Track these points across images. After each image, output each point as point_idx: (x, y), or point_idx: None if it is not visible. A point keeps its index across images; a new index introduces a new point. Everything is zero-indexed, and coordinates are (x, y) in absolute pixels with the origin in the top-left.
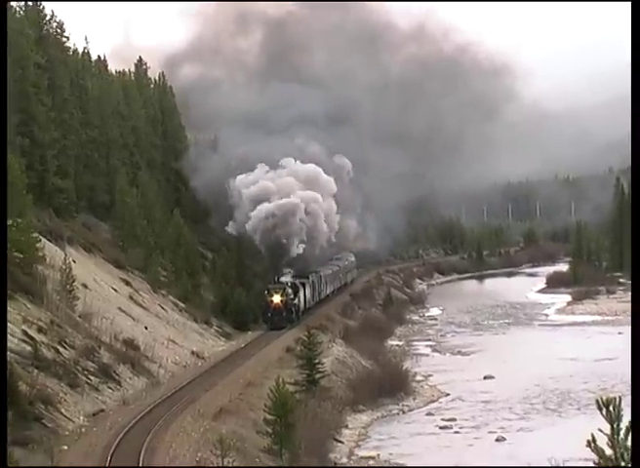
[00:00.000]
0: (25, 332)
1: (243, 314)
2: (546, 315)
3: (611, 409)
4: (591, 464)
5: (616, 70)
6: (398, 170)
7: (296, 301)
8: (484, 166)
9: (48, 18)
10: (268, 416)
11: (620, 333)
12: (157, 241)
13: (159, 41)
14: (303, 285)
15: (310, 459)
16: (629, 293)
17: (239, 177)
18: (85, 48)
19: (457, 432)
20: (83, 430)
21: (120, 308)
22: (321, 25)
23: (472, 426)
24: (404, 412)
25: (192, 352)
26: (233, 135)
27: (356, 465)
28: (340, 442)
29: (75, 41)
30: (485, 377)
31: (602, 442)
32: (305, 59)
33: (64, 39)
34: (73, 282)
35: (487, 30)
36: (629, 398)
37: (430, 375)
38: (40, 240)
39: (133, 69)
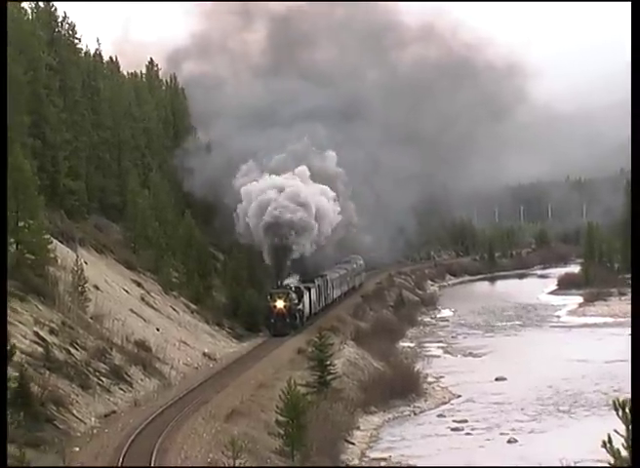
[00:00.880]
0: (37, 334)
1: (254, 315)
2: (558, 316)
3: (627, 410)
4: (605, 465)
5: (627, 71)
6: (409, 170)
7: (300, 306)
8: (495, 167)
9: (60, 19)
10: (280, 418)
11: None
12: (168, 242)
13: (160, 36)
14: (309, 289)
15: (322, 461)
16: None
17: (244, 188)
18: (97, 49)
19: (468, 434)
20: (95, 431)
21: (132, 310)
22: (327, 22)
23: (484, 428)
24: (415, 414)
25: (204, 353)
26: (235, 130)
27: (368, 466)
28: (352, 443)
29: (87, 42)
30: (496, 379)
31: (618, 443)
32: (311, 56)
33: (76, 40)
34: (85, 283)
35: (496, 29)
36: None
37: (442, 377)
38: (52, 241)
39: (132, 65)
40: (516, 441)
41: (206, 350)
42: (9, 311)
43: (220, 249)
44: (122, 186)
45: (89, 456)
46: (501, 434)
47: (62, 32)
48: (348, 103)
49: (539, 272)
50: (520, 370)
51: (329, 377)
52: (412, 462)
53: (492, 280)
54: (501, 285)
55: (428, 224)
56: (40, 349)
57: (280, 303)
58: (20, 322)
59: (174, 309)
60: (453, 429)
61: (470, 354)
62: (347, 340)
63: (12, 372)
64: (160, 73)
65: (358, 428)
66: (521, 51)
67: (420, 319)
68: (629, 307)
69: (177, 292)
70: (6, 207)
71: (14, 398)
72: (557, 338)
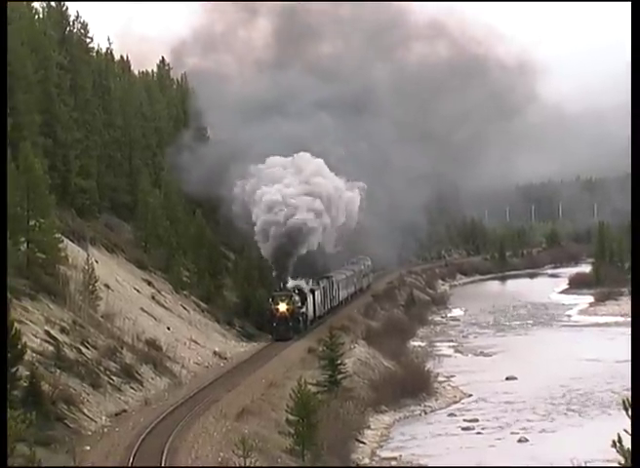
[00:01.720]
0: (48, 333)
1: (265, 315)
2: (569, 316)
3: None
4: (615, 465)
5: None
6: (420, 169)
7: (303, 310)
8: (506, 167)
9: (72, 18)
10: (290, 417)
11: None
12: (179, 241)
13: (163, 29)
14: (313, 291)
15: (332, 460)
16: None
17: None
18: (108, 48)
19: (479, 433)
20: (105, 430)
21: (142, 309)
22: (333, 18)
23: (494, 427)
24: (426, 413)
25: (214, 352)
26: (240, 125)
27: (379, 466)
28: (363, 442)
29: (98, 41)
30: (507, 378)
31: (628, 442)
32: (317, 50)
33: (88, 39)
34: (96, 282)
35: (507, 28)
36: None
37: (452, 376)
38: (62, 240)
39: (135, 59)
40: (527, 440)
41: (216, 349)
42: (20, 310)
43: (231, 248)
44: (133, 185)
45: (99, 455)
46: (512, 433)
47: (74, 31)
48: (356, 97)
49: (549, 271)
50: (531, 369)
51: (339, 376)
52: (422, 461)
53: (502, 279)
54: (512, 284)
55: (439, 223)
56: (51, 348)
57: (282, 307)
58: (30, 321)
59: (184, 308)
60: (463, 428)
61: (481, 353)
62: (358, 340)
63: (23, 371)
64: (171, 73)
65: (369, 427)
66: (532, 50)
67: (430, 318)
68: None
69: (187, 292)
70: (6, 206)
71: (24, 397)
72: (568, 338)
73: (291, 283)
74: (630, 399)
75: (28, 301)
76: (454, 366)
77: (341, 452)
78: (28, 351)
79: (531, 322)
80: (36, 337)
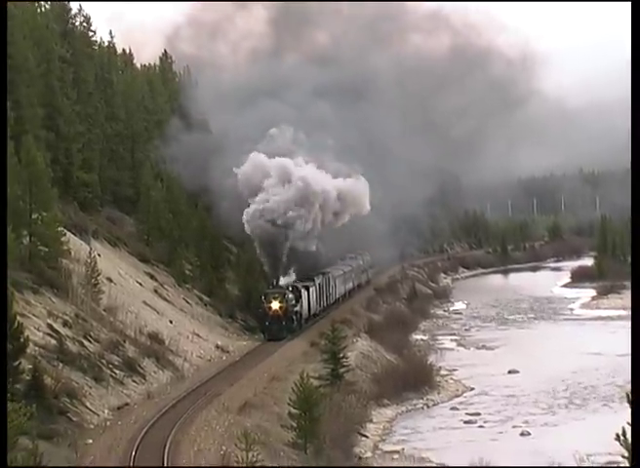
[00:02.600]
0: (51, 326)
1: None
2: (571, 309)
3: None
4: (618, 458)
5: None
6: (421, 163)
7: (297, 308)
8: (508, 160)
9: (74, 12)
10: (293, 410)
11: None
12: (182, 235)
13: (157, 16)
14: (307, 288)
15: (335, 453)
16: None
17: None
18: (110, 41)
19: (481, 426)
20: (108, 424)
21: (145, 302)
22: (331, 5)
23: (497, 421)
24: (428, 407)
25: (217, 346)
26: (235, 112)
27: (380, 466)
28: (365, 436)
29: (100, 35)
30: (510, 372)
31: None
32: (313, 38)
33: (90, 33)
34: (98, 276)
35: (509, 20)
36: None
37: (455, 370)
38: (65, 234)
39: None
40: (529, 434)
41: (219, 342)
42: (22, 303)
43: (234, 241)
44: (135, 179)
45: (102, 449)
46: (514, 427)
47: (76, 25)
48: (355, 85)
49: (552, 265)
50: (533, 362)
51: (342, 370)
52: (424, 455)
53: (505, 273)
54: (514, 277)
55: (441, 217)
56: (53, 341)
57: (275, 305)
58: (33, 314)
59: (187, 301)
60: (466, 422)
61: (483, 347)
62: (360, 333)
63: (25, 365)
64: (173, 66)
65: (371, 421)
66: (534, 43)
67: (433, 312)
68: None
69: (190, 285)
70: (6, 205)
71: (27, 390)
72: (570, 331)
73: (285, 280)
74: (631, 398)
75: (31, 295)
76: (456, 359)
77: (344, 446)
78: (31, 344)
79: (533, 315)
80: (39, 331)
